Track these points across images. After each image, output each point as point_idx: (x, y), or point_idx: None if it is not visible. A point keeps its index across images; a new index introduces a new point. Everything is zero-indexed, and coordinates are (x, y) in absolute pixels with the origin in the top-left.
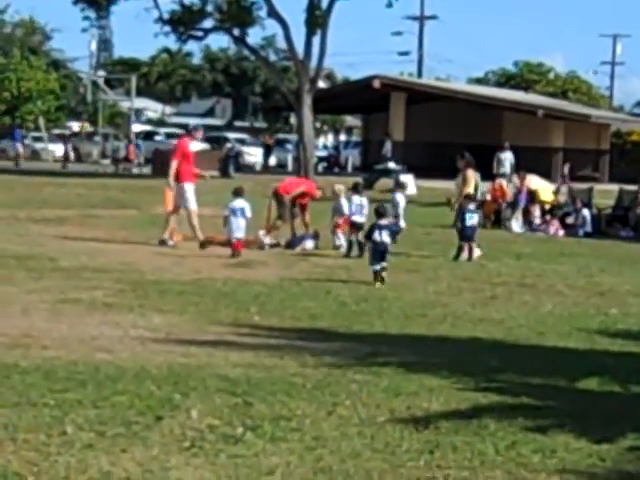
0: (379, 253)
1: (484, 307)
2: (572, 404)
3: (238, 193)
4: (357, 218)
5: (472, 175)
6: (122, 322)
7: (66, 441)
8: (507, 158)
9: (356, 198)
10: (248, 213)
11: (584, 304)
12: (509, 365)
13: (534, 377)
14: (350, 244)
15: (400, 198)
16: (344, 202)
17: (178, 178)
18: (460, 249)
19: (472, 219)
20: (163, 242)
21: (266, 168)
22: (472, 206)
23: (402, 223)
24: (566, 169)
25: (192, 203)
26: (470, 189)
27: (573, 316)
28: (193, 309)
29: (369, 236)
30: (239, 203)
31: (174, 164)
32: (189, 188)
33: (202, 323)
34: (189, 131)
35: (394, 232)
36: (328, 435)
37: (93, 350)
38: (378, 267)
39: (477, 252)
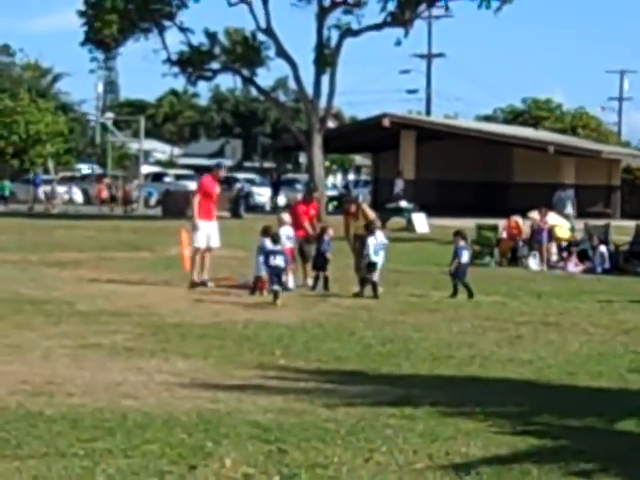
0: (275, 276)
1: (511, 347)
2: (613, 446)
3: (265, 232)
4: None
5: (367, 207)
6: (145, 367)
7: None
8: (569, 197)
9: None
10: None
11: (611, 342)
12: (544, 406)
13: (571, 419)
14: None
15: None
16: (283, 232)
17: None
18: (456, 287)
19: (466, 256)
20: (203, 283)
21: (275, 208)
22: (463, 243)
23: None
24: None
25: (199, 241)
26: (373, 217)
27: (602, 355)
28: (217, 353)
29: (266, 262)
30: (264, 242)
31: (195, 201)
32: (202, 225)
33: (227, 367)
34: (211, 169)
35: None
36: None
37: (118, 396)
38: (277, 288)
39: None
